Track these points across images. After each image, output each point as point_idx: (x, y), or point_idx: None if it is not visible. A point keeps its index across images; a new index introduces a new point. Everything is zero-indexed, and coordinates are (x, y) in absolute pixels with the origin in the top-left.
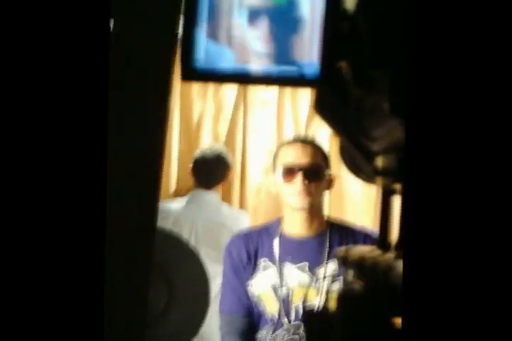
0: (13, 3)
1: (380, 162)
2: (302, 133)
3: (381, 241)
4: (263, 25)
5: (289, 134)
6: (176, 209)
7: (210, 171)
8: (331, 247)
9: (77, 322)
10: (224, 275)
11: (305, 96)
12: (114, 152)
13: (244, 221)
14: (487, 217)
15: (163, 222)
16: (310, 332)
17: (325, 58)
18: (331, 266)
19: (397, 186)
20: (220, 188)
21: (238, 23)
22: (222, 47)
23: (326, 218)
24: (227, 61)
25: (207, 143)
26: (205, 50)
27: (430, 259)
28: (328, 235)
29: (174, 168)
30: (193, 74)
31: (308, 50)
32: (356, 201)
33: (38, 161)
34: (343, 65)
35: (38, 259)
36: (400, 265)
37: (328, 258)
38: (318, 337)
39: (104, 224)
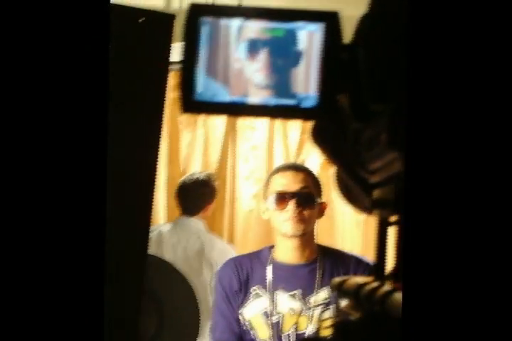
0: (13, 6)
1: (377, 194)
2: (293, 160)
3: (377, 271)
4: (262, 58)
5: (279, 161)
6: (159, 234)
7: (192, 197)
8: (322, 274)
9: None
10: (215, 303)
11: (295, 123)
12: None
13: (227, 251)
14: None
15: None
16: None
17: (323, 91)
18: (323, 294)
19: (394, 217)
20: (205, 215)
21: (237, 56)
22: (223, 80)
23: (317, 245)
24: (228, 94)
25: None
26: (205, 83)
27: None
28: (319, 262)
29: (162, 197)
30: (194, 106)
31: (307, 82)
32: (346, 228)
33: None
34: (341, 98)
35: (35, 275)
36: (396, 295)
37: (320, 285)
38: None
39: (101, 248)
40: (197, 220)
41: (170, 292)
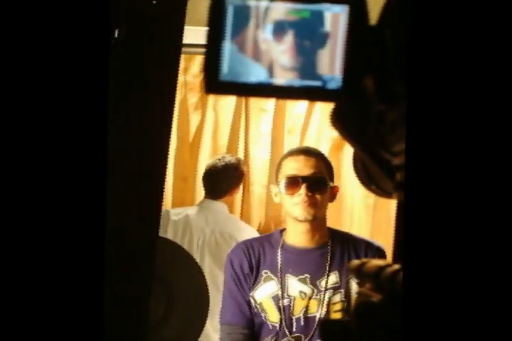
0: (14, 6)
1: (400, 177)
2: (300, 144)
3: (397, 255)
4: (288, 40)
5: (288, 144)
6: (186, 217)
7: (218, 182)
8: (332, 258)
9: (78, 328)
10: (225, 286)
11: (304, 105)
12: (116, 160)
13: (251, 234)
14: (497, 233)
15: (173, 229)
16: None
17: (348, 73)
18: (332, 278)
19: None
20: (229, 199)
21: (264, 37)
22: (249, 61)
23: (328, 228)
24: (254, 75)
25: (206, 154)
26: (231, 64)
27: (434, 269)
28: (329, 246)
29: (170, 179)
30: (218, 87)
31: (332, 64)
32: (355, 211)
33: (37, 168)
34: (366, 79)
35: (39, 269)
36: None
37: (330, 270)
38: None
39: (106, 231)
40: (221, 204)
41: (179, 275)
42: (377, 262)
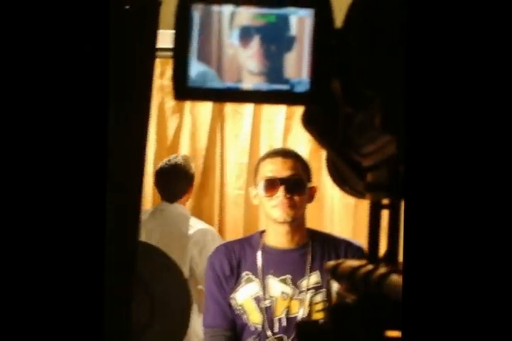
0: (14, 6)
1: (371, 177)
2: (281, 146)
3: (371, 254)
4: (255, 44)
5: (267, 146)
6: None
7: (169, 184)
8: (313, 259)
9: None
10: (206, 288)
11: (282, 108)
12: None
13: (208, 236)
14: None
15: None
16: None
17: (315, 76)
18: (314, 278)
19: (387, 201)
20: (185, 200)
21: (230, 42)
22: (216, 66)
23: (307, 229)
24: (221, 80)
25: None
26: (199, 69)
27: (429, 272)
28: (310, 247)
29: (149, 183)
30: (186, 93)
31: (299, 67)
32: (335, 211)
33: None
34: (334, 83)
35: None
36: (392, 277)
37: (311, 270)
38: None
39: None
40: (178, 205)
41: (160, 279)
42: (351, 262)
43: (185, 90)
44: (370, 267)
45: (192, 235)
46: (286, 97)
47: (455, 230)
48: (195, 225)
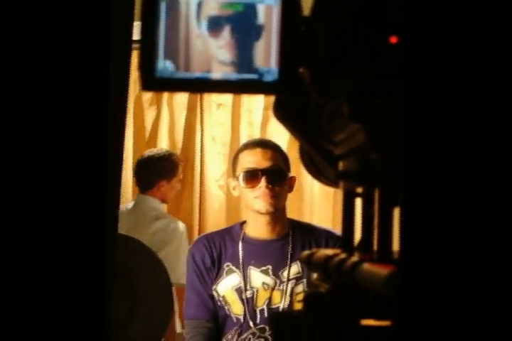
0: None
1: (342, 166)
2: (260, 136)
3: (344, 243)
4: (225, 34)
5: (247, 137)
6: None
7: (142, 175)
8: (293, 249)
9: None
10: (188, 280)
11: (260, 98)
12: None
13: (172, 230)
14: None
15: None
16: (276, 335)
17: (284, 65)
18: (294, 269)
19: (359, 189)
20: (160, 192)
21: (199, 33)
22: (184, 57)
23: (288, 220)
24: (190, 70)
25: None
26: (166, 60)
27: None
28: (290, 237)
29: (129, 175)
30: (155, 84)
31: (268, 56)
32: (315, 201)
33: None
34: (302, 71)
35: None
36: (364, 266)
37: (292, 260)
38: (284, 337)
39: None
40: (147, 197)
41: (142, 274)
42: (325, 252)
43: (153, 81)
44: (343, 256)
45: (156, 229)
46: (255, 87)
47: (445, 221)
48: (162, 218)
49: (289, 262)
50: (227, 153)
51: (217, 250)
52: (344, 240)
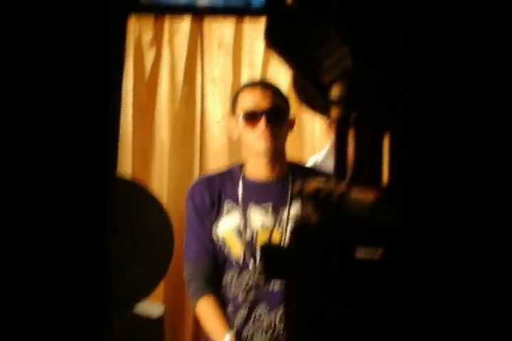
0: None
1: (333, 92)
2: (260, 76)
3: (336, 171)
4: None
5: (246, 78)
6: None
7: None
8: (293, 190)
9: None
10: (187, 222)
11: (261, 40)
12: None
13: None
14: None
15: None
16: (267, 268)
17: None
18: (294, 209)
19: (351, 116)
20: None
21: None
22: None
23: (288, 162)
24: None
25: (163, 91)
26: None
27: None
28: (290, 177)
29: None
30: (141, 8)
31: None
32: (315, 141)
33: None
34: None
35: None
36: (352, 195)
37: (291, 200)
38: (275, 270)
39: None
40: None
41: (142, 215)
42: (316, 183)
43: (139, 6)
44: (333, 186)
45: None
46: (243, 10)
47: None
48: None
49: (288, 202)
50: (228, 94)
51: (216, 191)
52: (337, 170)
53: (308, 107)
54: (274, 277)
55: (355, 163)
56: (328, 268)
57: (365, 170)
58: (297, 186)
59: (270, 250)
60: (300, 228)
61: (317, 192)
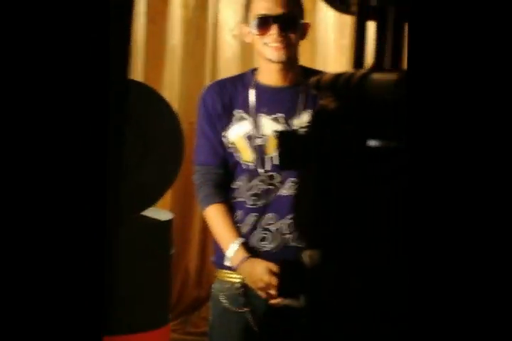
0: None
1: None
2: None
3: (356, 61)
4: None
5: None
6: None
7: None
8: (305, 97)
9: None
10: (198, 126)
11: None
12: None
13: None
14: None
15: None
16: (282, 154)
17: None
18: (306, 117)
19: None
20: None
21: None
22: None
23: (301, 68)
24: None
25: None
26: None
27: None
28: (302, 85)
29: (142, 20)
30: None
31: None
32: (329, 53)
33: None
34: None
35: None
36: (373, 75)
37: (304, 108)
38: (290, 159)
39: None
40: None
41: (153, 118)
42: (334, 73)
43: None
44: (351, 71)
45: None
46: None
47: None
48: None
49: (300, 110)
50: (242, 1)
51: (228, 96)
52: (356, 58)
53: (327, 3)
54: (289, 166)
55: (376, 51)
56: (344, 157)
57: (387, 58)
58: (313, 79)
59: (286, 136)
60: (317, 116)
61: (336, 78)
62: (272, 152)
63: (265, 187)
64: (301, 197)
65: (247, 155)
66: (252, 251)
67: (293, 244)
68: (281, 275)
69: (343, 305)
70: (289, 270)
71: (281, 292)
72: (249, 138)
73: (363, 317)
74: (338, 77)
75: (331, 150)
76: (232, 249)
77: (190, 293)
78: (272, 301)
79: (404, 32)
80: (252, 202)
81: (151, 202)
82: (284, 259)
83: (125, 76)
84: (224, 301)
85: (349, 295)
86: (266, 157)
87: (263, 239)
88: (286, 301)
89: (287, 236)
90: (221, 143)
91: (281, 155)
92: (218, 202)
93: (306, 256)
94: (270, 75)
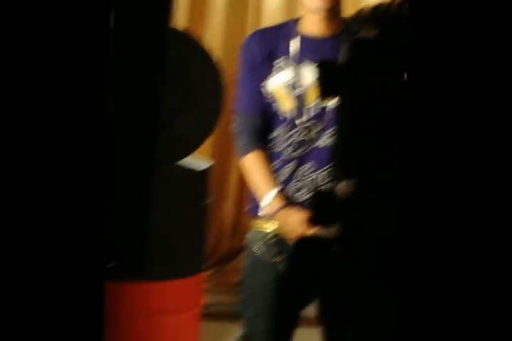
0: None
1: None
2: None
3: None
4: None
5: None
6: None
7: None
8: (348, 47)
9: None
10: (240, 74)
11: None
12: None
13: None
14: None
15: None
16: (321, 82)
17: None
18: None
19: None
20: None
21: None
22: None
23: (343, 18)
24: None
25: None
26: None
27: None
28: (344, 35)
29: None
30: None
31: None
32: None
33: None
34: None
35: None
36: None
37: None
38: (329, 86)
39: None
40: None
41: (195, 67)
42: (373, 4)
43: None
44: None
45: None
46: None
47: None
48: None
49: (341, 61)
50: None
51: (269, 45)
52: None
53: None
54: (329, 93)
55: None
56: (380, 85)
57: None
58: (354, 13)
59: (326, 65)
60: (358, 43)
61: (377, 8)
62: (312, 101)
63: (302, 138)
64: (339, 131)
65: (285, 105)
66: (287, 201)
67: None
68: (316, 206)
69: (374, 233)
70: (324, 200)
71: (316, 221)
72: (290, 87)
73: (394, 245)
74: (378, 6)
75: (369, 79)
76: (270, 196)
77: (225, 243)
78: (306, 232)
79: None
80: (288, 153)
81: (188, 151)
82: (319, 190)
83: (165, 25)
84: (257, 250)
85: (380, 224)
86: (305, 107)
87: (298, 190)
88: (320, 231)
89: (323, 187)
90: (260, 92)
91: (320, 83)
92: (257, 151)
93: (340, 187)
94: (313, 25)
